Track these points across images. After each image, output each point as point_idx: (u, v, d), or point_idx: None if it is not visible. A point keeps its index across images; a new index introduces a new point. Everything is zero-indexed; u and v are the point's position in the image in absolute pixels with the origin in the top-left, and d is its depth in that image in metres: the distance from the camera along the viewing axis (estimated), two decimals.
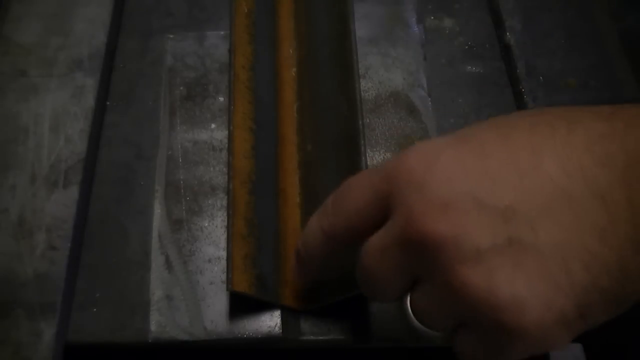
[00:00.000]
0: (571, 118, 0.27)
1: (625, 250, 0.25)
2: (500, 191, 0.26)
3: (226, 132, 0.42)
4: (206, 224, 0.40)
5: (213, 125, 0.44)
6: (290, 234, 0.39)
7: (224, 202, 0.41)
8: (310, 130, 0.42)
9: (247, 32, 0.44)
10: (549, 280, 0.25)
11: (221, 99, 0.45)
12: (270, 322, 0.37)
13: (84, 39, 0.46)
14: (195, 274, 0.38)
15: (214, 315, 0.37)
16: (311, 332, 0.37)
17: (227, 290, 0.35)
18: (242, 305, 0.37)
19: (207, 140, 0.43)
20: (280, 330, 0.36)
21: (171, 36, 0.47)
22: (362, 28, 0.47)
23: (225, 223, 0.39)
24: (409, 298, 0.29)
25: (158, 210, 0.40)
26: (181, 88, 0.45)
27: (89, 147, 0.41)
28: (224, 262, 0.38)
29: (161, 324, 0.36)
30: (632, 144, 0.25)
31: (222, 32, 0.47)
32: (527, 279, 0.25)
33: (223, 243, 0.39)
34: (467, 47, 0.48)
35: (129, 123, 0.44)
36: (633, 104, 0.27)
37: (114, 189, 0.41)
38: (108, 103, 0.45)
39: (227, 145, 0.41)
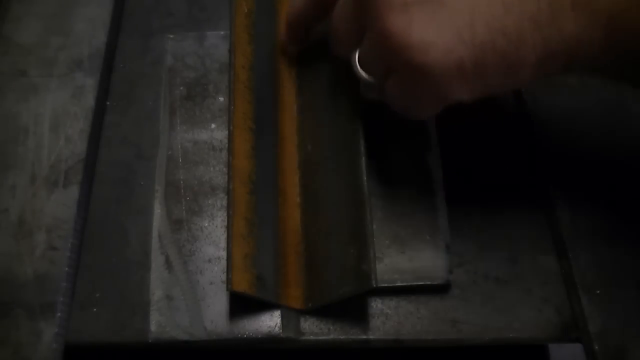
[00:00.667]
0: None
1: (525, 24, 0.29)
2: None
3: (226, 132, 0.42)
4: (206, 224, 0.40)
5: (213, 125, 0.44)
6: (290, 234, 0.39)
7: (224, 202, 0.41)
8: (310, 130, 0.42)
9: (247, 32, 0.44)
10: (455, 31, 0.30)
11: (221, 99, 0.45)
12: (270, 322, 0.37)
13: (84, 39, 0.46)
14: (195, 274, 0.38)
15: (214, 315, 0.37)
16: (311, 332, 0.37)
17: (227, 290, 0.35)
18: (242, 305, 0.37)
19: (207, 140, 0.43)
20: (280, 330, 0.36)
21: (171, 36, 0.47)
22: None
23: (225, 223, 0.40)
24: (357, 52, 0.35)
25: (158, 210, 0.40)
26: (181, 88, 0.45)
27: (89, 147, 0.41)
28: (224, 262, 0.38)
29: (161, 324, 0.37)
30: None
31: (222, 32, 0.47)
32: (437, 28, 0.30)
33: (223, 243, 0.39)
34: None
35: (129, 123, 0.44)
36: None
37: (114, 189, 0.41)
38: (108, 103, 0.45)
39: (227, 145, 0.41)
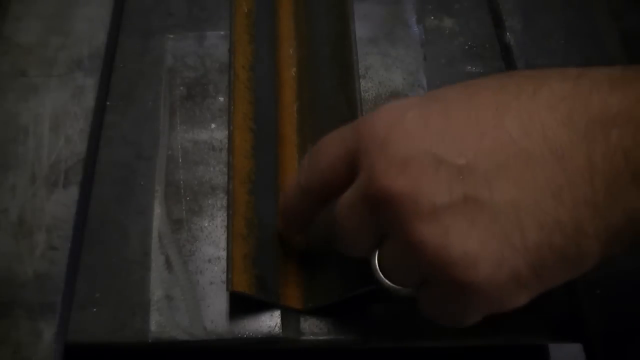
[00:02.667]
0: (539, 79, 0.27)
1: (581, 211, 0.25)
2: (459, 149, 0.26)
3: (226, 132, 0.42)
4: (206, 224, 0.40)
5: (213, 125, 0.44)
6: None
7: (224, 202, 0.41)
8: (310, 130, 0.42)
9: (247, 32, 0.44)
10: (502, 237, 0.25)
11: (221, 99, 0.45)
12: (270, 322, 0.37)
13: (84, 39, 0.46)
14: (195, 274, 0.38)
15: (214, 315, 0.37)
16: (311, 332, 0.37)
17: (227, 290, 0.35)
18: (242, 305, 0.37)
19: (207, 140, 0.43)
20: (280, 330, 0.36)
21: (171, 36, 0.47)
22: (362, 28, 0.47)
23: (225, 223, 0.39)
24: (376, 254, 0.29)
25: (158, 210, 0.40)
26: (181, 88, 0.45)
27: (89, 147, 0.41)
28: (224, 262, 0.38)
29: (161, 324, 0.36)
30: (595, 105, 0.25)
31: (222, 32, 0.47)
32: (480, 237, 0.25)
33: (223, 243, 0.39)
34: (467, 47, 0.48)
35: (129, 123, 0.44)
36: (601, 66, 0.27)
37: (114, 189, 0.41)
38: (108, 103, 0.45)
39: (227, 145, 0.41)
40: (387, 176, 0.26)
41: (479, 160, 0.26)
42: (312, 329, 0.37)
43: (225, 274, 0.36)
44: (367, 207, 0.28)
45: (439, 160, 0.26)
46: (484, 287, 0.25)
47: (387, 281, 0.29)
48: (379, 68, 0.46)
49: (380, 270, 0.29)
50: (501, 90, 0.27)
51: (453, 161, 0.26)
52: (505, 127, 0.26)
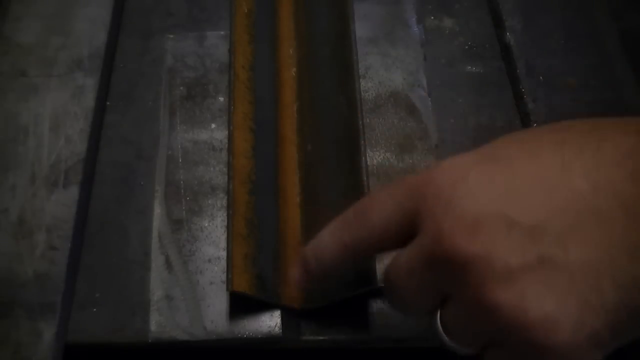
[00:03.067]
0: (600, 134, 0.26)
1: None
2: (530, 209, 0.25)
3: (226, 132, 0.42)
4: (206, 224, 0.40)
5: (213, 125, 0.44)
6: (290, 234, 0.39)
7: (224, 202, 0.41)
8: (310, 130, 0.42)
9: (247, 32, 0.44)
10: (580, 299, 0.24)
11: (221, 99, 0.45)
12: (270, 322, 0.37)
13: (84, 39, 0.46)
14: (195, 274, 0.38)
15: (214, 315, 0.37)
16: (311, 332, 0.37)
17: (227, 290, 0.35)
18: (242, 305, 0.37)
19: (207, 140, 0.43)
20: (280, 330, 0.36)
21: (171, 36, 0.47)
22: (362, 28, 0.47)
23: (225, 223, 0.39)
24: (439, 314, 0.28)
25: (158, 210, 0.40)
26: (181, 88, 0.45)
27: (89, 147, 0.41)
28: (224, 262, 0.38)
29: (161, 324, 0.36)
30: None
31: (222, 32, 0.47)
32: (558, 298, 0.25)
33: (223, 243, 0.39)
34: (467, 47, 0.48)
35: (129, 123, 0.44)
36: None
37: (114, 189, 0.41)
38: (108, 103, 0.45)
39: (227, 145, 0.41)
40: (456, 238, 0.26)
41: (550, 220, 0.25)
42: (312, 329, 0.37)
43: (225, 274, 0.36)
44: (431, 269, 0.27)
45: (510, 221, 0.25)
46: (563, 349, 0.25)
47: (452, 342, 0.28)
48: (379, 68, 0.46)
49: (443, 330, 0.28)
50: (563, 147, 0.26)
51: (524, 222, 0.25)
52: (574, 185, 0.25)
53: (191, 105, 0.45)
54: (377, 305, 0.38)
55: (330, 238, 0.31)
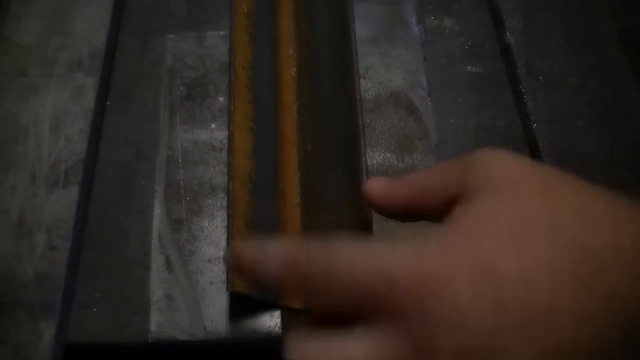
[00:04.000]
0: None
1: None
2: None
3: (226, 132, 0.42)
4: (206, 224, 0.40)
5: (213, 125, 0.44)
6: (290, 234, 0.39)
7: (224, 202, 0.41)
8: (310, 130, 0.42)
9: (247, 32, 0.44)
10: None
11: (221, 99, 0.45)
12: (270, 322, 0.37)
13: (84, 39, 0.46)
14: (195, 274, 0.38)
15: (214, 315, 0.37)
16: None
17: (227, 290, 0.35)
18: (242, 305, 0.37)
19: (207, 140, 0.43)
20: (280, 330, 0.36)
21: (171, 36, 0.47)
22: (362, 28, 0.47)
23: (225, 223, 0.39)
24: None
25: (158, 210, 0.40)
26: (181, 88, 0.45)
27: (89, 147, 0.41)
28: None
29: (161, 324, 0.36)
30: None
31: (222, 32, 0.47)
32: None
33: (223, 243, 0.39)
34: (467, 47, 0.48)
35: (129, 123, 0.44)
36: None
37: (114, 189, 0.41)
38: (108, 103, 0.45)
39: (227, 145, 0.41)
40: None
41: None
42: None
43: (225, 274, 0.36)
44: None
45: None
46: None
47: None
48: (379, 68, 0.46)
49: None
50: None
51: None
52: None
53: (191, 105, 0.45)
54: None
55: (276, 267, 0.25)
